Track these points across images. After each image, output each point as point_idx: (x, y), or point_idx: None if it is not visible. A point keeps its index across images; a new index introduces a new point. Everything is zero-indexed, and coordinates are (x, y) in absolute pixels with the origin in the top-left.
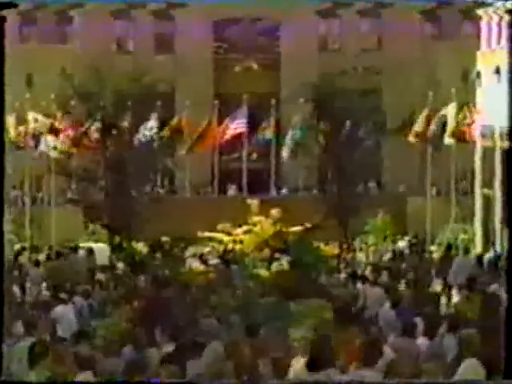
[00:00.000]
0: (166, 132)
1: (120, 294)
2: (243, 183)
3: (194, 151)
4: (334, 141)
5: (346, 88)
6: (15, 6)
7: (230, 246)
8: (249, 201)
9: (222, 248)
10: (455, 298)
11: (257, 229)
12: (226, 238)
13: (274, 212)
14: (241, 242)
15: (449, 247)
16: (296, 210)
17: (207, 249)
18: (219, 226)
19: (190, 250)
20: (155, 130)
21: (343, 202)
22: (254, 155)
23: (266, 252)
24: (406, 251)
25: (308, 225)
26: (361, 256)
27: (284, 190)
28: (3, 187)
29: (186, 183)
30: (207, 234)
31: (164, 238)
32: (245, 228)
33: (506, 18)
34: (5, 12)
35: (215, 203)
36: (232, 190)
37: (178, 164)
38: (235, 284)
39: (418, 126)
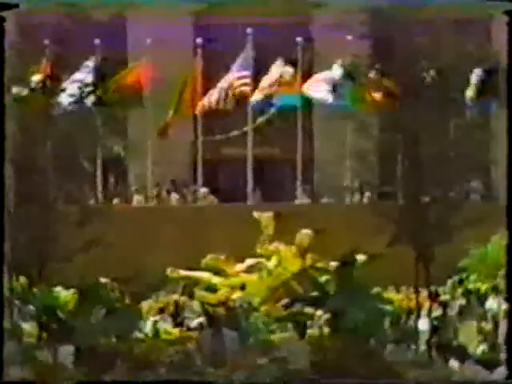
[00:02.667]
0: (110, 92)
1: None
2: (247, 183)
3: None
4: (406, 108)
5: (425, 17)
6: (16, 6)
7: (225, 293)
8: (257, 214)
9: (210, 298)
10: None
11: (272, 264)
12: (216, 280)
13: (302, 235)
14: (243, 287)
15: None
16: (340, 230)
17: (184, 299)
18: (206, 259)
19: (154, 302)
20: (90, 89)
21: (424, 215)
22: (266, 133)
23: (288, 304)
24: None
25: (361, 257)
26: (455, 312)
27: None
28: (3, 187)
29: (145, 183)
30: (184, 272)
31: (105, 280)
32: (250, 262)
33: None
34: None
35: (199, 218)
36: (226, 195)
37: (133, 149)
38: (233, 361)
39: None
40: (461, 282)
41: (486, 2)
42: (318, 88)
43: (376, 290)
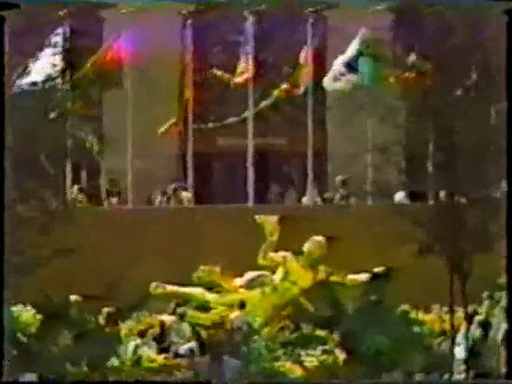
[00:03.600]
0: (85, 71)
1: None
2: (248, 181)
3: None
4: (439, 90)
5: None
6: (16, 6)
7: (220, 313)
8: (260, 218)
9: (202, 318)
10: None
11: (277, 277)
12: (210, 297)
13: (314, 242)
14: (242, 305)
15: None
16: (358, 236)
17: (171, 320)
18: (198, 272)
19: (135, 323)
20: (58, 68)
21: (460, 219)
22: (271, 120)
23: (293, 326)
24: None
25: (382, 269)
26: (498, 336)
27: (333, 196)
28: (3, 187)
29: (125, 181)
30: (171, 288)
31: (75, 298)
32: (251, 275)
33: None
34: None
35: (189, 223)
36: (222, 195)
37: (108, 140)
38: None
39: None
40: (491, 297)
41: (485, 2)
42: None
43: (402, 308)
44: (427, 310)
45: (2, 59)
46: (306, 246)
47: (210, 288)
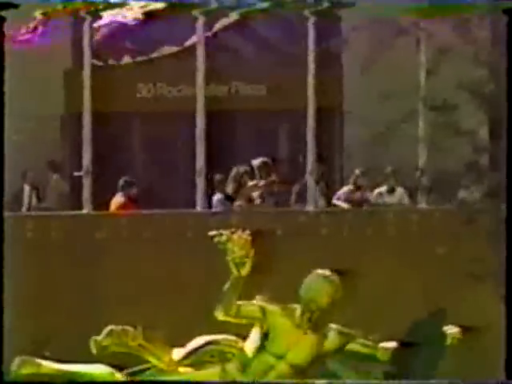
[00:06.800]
0: None
1: None
2: (196, 165)
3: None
4: None
5: None
6: (15, 6)
7: None
8: (217, 234)
9: None
10: None
11: (250, 346)
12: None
13: (317, 281)
14: None
15: None
16: (402, 269)
17: None
18: (102, 338)
19: None
20: None
21: None
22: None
23: None
24: None
25: (450, 329)
26: None
27: (346, 192)
28: (3, 188)
29: None
30: (51, 365)
31: None
32: (201, 343)
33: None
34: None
35: (87, 242)
36: (145, 192)
37: None
38: None
39: None
40: None
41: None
42: None
43: None
44: None
45: (3, 59)
46: (304, 287)
47: (121, 367)
